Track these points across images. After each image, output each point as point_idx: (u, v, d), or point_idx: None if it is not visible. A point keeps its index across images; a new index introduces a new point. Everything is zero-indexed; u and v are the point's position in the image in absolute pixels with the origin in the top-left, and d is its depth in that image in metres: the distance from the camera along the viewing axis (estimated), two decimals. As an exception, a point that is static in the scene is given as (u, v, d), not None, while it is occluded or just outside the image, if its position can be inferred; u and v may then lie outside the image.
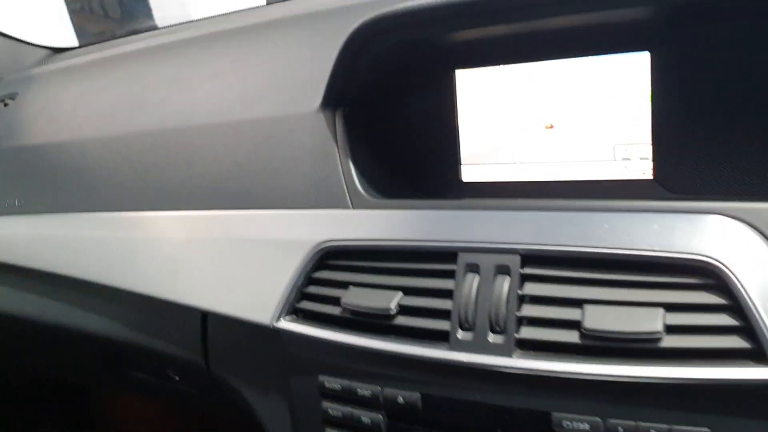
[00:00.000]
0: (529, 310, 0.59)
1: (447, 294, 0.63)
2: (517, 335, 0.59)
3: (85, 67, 1.21)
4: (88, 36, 1.74)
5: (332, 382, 0.70)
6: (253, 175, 0.81)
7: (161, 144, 0.92)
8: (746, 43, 0.65)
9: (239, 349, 0.82)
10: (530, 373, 0.58)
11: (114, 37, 1.41)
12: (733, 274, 0.52)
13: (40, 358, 1.28)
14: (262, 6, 1.16)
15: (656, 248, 0.56)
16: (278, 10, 1.00)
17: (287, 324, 0.72)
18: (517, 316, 0.59)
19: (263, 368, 0.79)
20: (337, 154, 0.76)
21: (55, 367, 1.30)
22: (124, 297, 0.88)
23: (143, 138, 0.94)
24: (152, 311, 0.89)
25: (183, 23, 1.20)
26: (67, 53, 1.47)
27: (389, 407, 0.66)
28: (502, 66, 0.75)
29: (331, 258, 0.72)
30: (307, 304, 0.72)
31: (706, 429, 0.53)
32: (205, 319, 0.83)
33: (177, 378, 0.97)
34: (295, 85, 0.84)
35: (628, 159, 0.70)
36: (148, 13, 1.95)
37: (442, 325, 0.62)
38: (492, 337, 0.60)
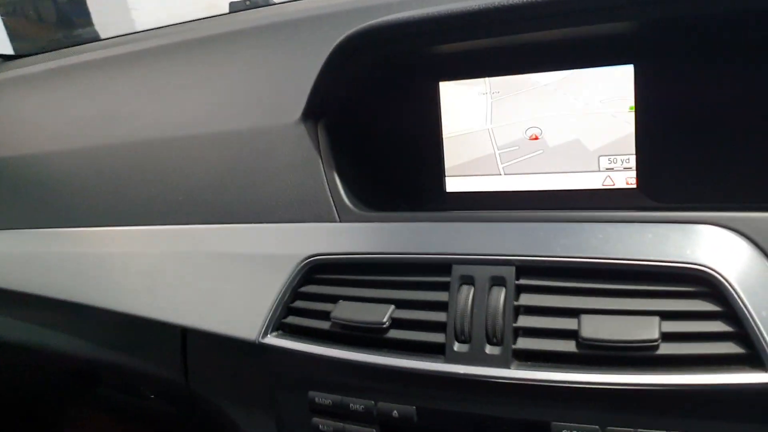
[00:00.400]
0: (526, 321, 0.60)
1: (442, 306, 0.63)
2: (514, 346, 0.59)
3: (44, 76, 1.16)
4: (23, 41, 1.67)
5: (323, 398, 0.69)
6: (233, 188, 0.80)
7: (134, 157, 0.89)
8: (726, 56, 0.67)
9: (222, 366, 0.80)
10: (528, 383, 0.58)
11: (63, 45, 1.36)
12: (727, 281, 0.54)
13: (5, 379, 1.23)
14: (235, 13, 1.14)
15: (651, 257, 0.57)
16: (253, 18, 0.99)
17: (274, 340, 0.70)
18: (513, 326, 0.59)
19: (248, 385, 0.77)
20: (321, 166, 0.75)
21: (23, 387, 1.24)
22: (97, 315, 0.85)
23: (114, 151, 0.91)
24: (127, 329, 0.86)
25: (150, 30, 1.17)
26: (19, 61, 1.42)
27: (383, 421, 0.65)
28: (486, 78, 0.75)
29: (318, 272, 0.71)
30: (294, 319, 0.71)
31: (703, 434, 0.54)
32: (185, 335, 0.81)
33: (152, 396, 0.94)
34: (275, 96, 0.82)
35: (611, 169, 0.72)
36: (86, 18, 1.88)
37: (437, 337, 0.62)
38: (489, 349, 0.60)
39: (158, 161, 0.87)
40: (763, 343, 0.51)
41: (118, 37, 1.20)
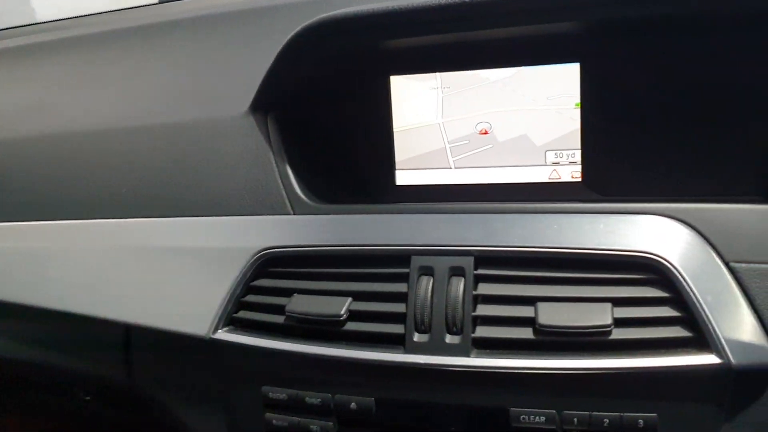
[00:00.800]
0: (485, 310, 0.61)
1: (401, 297, 0.63)
2: (473, 335, 0.60)
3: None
4: None
5: (277, 392, 0.68)
6: (180, 181, 0.77)
7: (69, 149, 0.85)
8: (668, 55, 0.71)
9: (169, 364, 0.77)
10: (488, 370, 0.59)
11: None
12: (674, 268, 0.57)
13: None
14: (168, 3, 1.10)
15: (603, 246, 0.59)
16: (191, 8, 0.96)
17: (225, 335, 0.69)
18: (472, 315, 0.61)
19: (197, 382, 0.75)
20: (273, 158, 0.74)
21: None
22: (29, 314, 0.81)
23: (47, 142, 0.86)
24: (64, 328, 0.82)
25: (83, 16, 1.12)
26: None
27: (341, 414, 0.65)
28: (437, 73, 0.76)
29: (272, 265, 0.70)
30: (246, 314, 0.69)
31: (654, 414, 0.57)
32: (128, 333, 0.78)
33: (87, 398, 0.90)
34: (222, 87, 0.81)
35: (558, 163, 0.74)
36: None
37: (396, 328, 0.63)
38: (449, 338, 0.61)
39: (98, 153, 0.83)
40: (709, 326, 0.55)
41: (48, 22, 1.14)
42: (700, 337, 0.55)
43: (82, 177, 0.83)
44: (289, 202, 0.72)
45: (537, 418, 0.59)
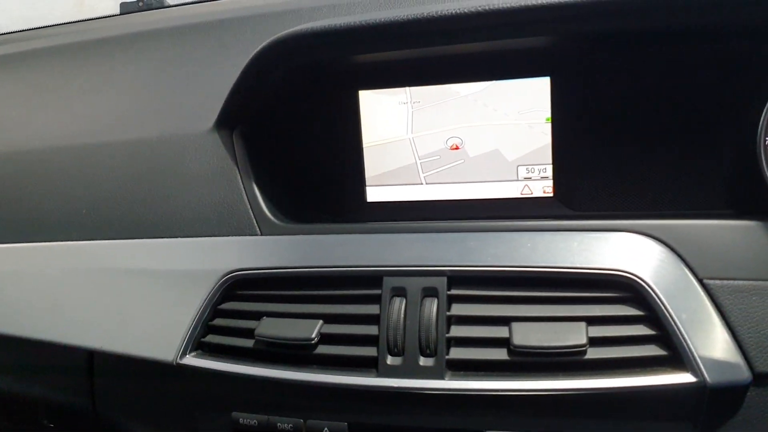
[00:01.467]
0: (459, 331, 0.60)
1: (373, 319, 0.62)
2: (447, 356, 0.59)
3: None
4: None
5: (247, 418, 0.66)
6: (142, 201, 0.75)
7: (24, 168, 0.82)
8: (638, 70, 0.70)
9: (134, 390, 0.75)
10: (462, 393, 0.58)
11: None
12: (649, 286, 0.56)
13: None
14: (128, 14, 1.07)
15: (577, 265, 0.59)
16: (153, 20, 0.93)
17: (193, 360, 0.67)
18: (446, 337, 0.60)
19: (164, 408, 0.73)
20: (239, 176, 0.72)
21: None
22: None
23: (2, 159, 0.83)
24: (23, 353, 0.79)
25: (40, 28, 1.08)
26: None
27: None
28: (406, 87, 0.75)
29: (239, 288, 0.68)
30: (214, 338, 0.67)
31: (630, 434, 0.56)
32: (92, 358, 0.75)
33: (51, 426, 0.87)
34: (186, 103, 0.79)
35: (529, 178, 0.74)
36: None
37: (369, 351, 0.61)
38: (423, 360, 0.60)
39: (55, 171, 0.80)
40: (684, 344, 0.54)
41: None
42: (675, 356, 0.55)
43: (38, 197, 0.80)
44: (257, 222, 0.70)
45: (512, 441, 0.58)
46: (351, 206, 0.80)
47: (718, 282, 0.56)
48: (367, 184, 0.79)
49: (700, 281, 0.56)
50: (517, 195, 0.74)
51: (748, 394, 0.55)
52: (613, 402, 0.56)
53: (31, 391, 0.82)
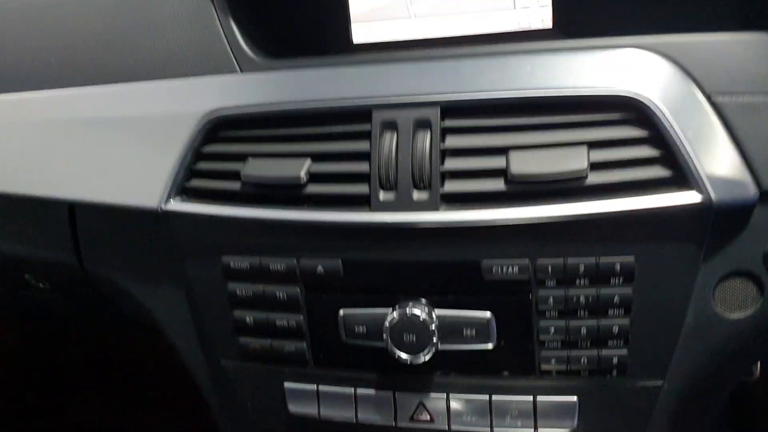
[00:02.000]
0: (453, 163, 0.58)
1: (363, 156, 0.59)
2: (442, 189, 0.57)
3: None
4: None
5: (239, 261, 0.65)
6: (114, 45, 0.70)
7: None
8: None
9: (120, 240, 0.73)
10: (458, 225, 0.57)
11: None
12: (654, 105, 0.53)
13: None
14: None
15: (579, 86, 0.55)
16: None
17: (178, 205, 0.65)
18: (440, 170, 0.57)
19: (151, 257, 0.71)
20: (215, 12, 0.67)
21: None
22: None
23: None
24: (2, 211, 0.76)
25: None
26: None
27: (307, 279, 0.63)
28: None
29: (222, 129, 0.64)
30: (199, 182, 0.65)
31: (631, 257, 0.55)
32: (73, 211, 0.73)
33: (41, 285, 0.86)
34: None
35: (527, 7, 0.69)
36: None
37: (360, 188, 0.59)
38: (416, 194, 0.58)
39: (18, 21, 0.74)
40: (689, 163, 0.52)
41: None
42: (681, 175, 0.53)
43: (1, 50, 0.75)
44: (236, 59, 0.66)
45: (510, 268, 0.57)
46: (335, 44, 0.74)
47: (726, 98, 0.53)
48: (352, 20, 0.73)
49: (708, 97, 0.54)
50: (514, 26, 0.69)
51: (755, 212, 0.54)
52: (614, 225, 0.55)
53: (17, 251, 0.80)
